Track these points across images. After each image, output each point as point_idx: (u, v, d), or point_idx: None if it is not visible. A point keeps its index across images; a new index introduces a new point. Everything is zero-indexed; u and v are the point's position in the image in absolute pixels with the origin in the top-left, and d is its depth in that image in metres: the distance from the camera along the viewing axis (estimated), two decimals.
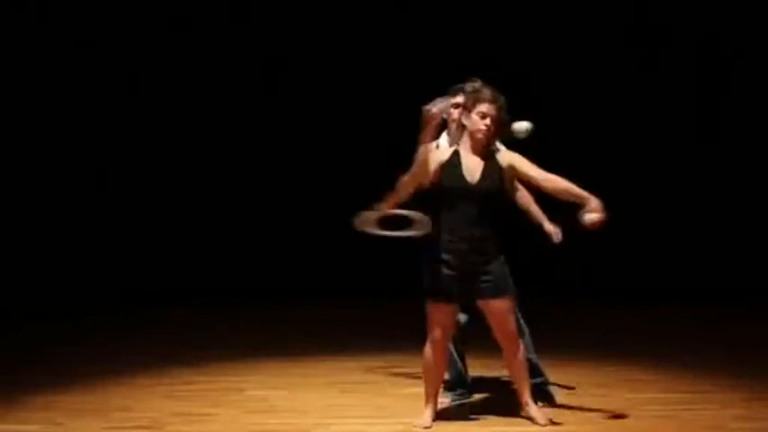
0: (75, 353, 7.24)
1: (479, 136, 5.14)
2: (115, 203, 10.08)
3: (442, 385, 5.44)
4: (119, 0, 9.99)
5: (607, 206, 4.96)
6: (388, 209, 5.13)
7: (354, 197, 10.16)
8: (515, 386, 5.31)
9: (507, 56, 9.41)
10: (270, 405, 5.73)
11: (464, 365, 5.66)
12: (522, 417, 5.27)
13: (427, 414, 5.27)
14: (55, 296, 9.37)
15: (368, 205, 5.14)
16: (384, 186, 5.25)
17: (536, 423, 5.20)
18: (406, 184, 5.14)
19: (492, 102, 5.12)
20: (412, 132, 5.21)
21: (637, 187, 9.84)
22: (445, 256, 5.11)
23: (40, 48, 9.89)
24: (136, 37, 10.01)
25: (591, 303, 9.04)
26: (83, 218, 10.00)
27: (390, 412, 5.52)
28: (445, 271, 5.11)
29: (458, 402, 5.61)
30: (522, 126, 5.47)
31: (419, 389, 5.80)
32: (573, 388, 5.95)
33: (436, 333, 5.19)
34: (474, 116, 5.14)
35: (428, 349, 5.24)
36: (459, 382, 5.65)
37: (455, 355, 5.57)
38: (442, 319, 5.16)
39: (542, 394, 5.56)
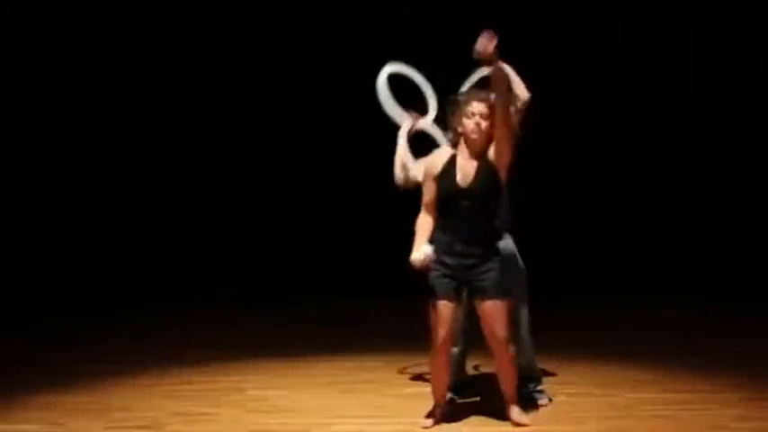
0: (75, 353, 7.24)
1: (473, 136, 5.14)
2: (116, 204, 10.07)
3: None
4: (118, 0, 9.99)
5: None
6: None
7: (354, 197, 10.13)
8: (502, 389, 5.26)
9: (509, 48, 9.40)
10: (270, 405, 5.73)
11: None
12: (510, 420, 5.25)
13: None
14: (55, 296, 9.37)
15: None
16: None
17: (521, 425, 5.19)
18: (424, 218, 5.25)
19: (480, 100, 5.12)
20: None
21: (636, 187, 9.84)
22: (443, 257, 5.14)
23: (39, 48, 9.88)
24: (135, 37, 9.99)
25: (591, 303, 9.03)
26: (84, 219, 9.99)
27: (390, 412, 5.52)
28: (443, 271, 5.13)
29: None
30: None
31: (419, 389, 5.81)
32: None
33: (439, 333, 5.16)
34: (465, 119, 5.15)
35: (432, 352, 5.21)
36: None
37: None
38: (444, 317, 5.15)
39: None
